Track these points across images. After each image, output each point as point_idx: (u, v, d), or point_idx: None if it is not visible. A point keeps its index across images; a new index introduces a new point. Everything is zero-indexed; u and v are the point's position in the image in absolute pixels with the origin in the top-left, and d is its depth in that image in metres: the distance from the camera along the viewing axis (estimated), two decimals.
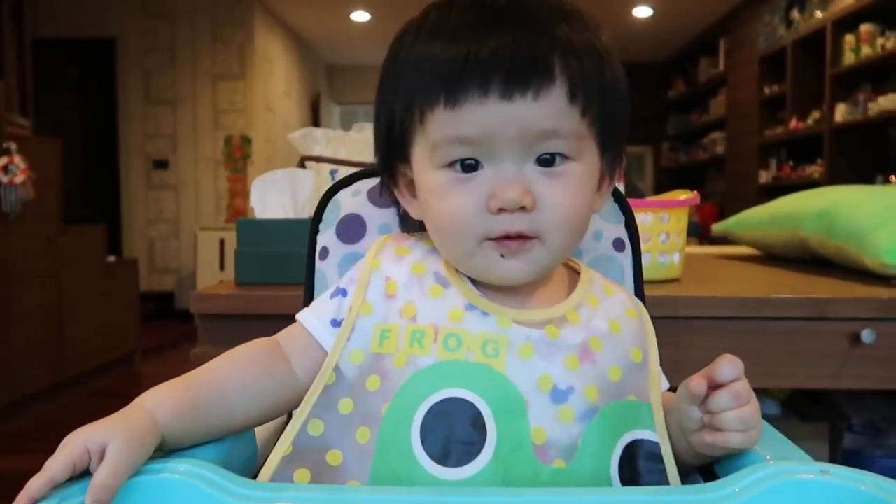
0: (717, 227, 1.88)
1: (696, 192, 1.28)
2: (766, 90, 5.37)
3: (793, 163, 5.15)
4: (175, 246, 5.71)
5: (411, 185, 0.60)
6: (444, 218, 0.55)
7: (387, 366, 0.54)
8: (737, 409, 0.49)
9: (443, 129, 0.53)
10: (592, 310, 0.59)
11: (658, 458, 0.53)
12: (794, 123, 4.95)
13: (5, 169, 2.84)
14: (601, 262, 0.70)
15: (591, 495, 0.45)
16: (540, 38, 0.51)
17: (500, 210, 0.52)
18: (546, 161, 0.53)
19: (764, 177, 5.43)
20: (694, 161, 7.26)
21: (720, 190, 6.54)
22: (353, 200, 0.72)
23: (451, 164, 0.54)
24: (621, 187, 1.28)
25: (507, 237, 0.53)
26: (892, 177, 4.02)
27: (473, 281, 0.58)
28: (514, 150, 0.52)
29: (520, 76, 0.50)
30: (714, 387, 0.49)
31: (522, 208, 0.52)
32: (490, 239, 0.53)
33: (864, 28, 4.14)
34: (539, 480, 0.49)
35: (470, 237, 0.54)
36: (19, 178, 2.88)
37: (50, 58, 5.23)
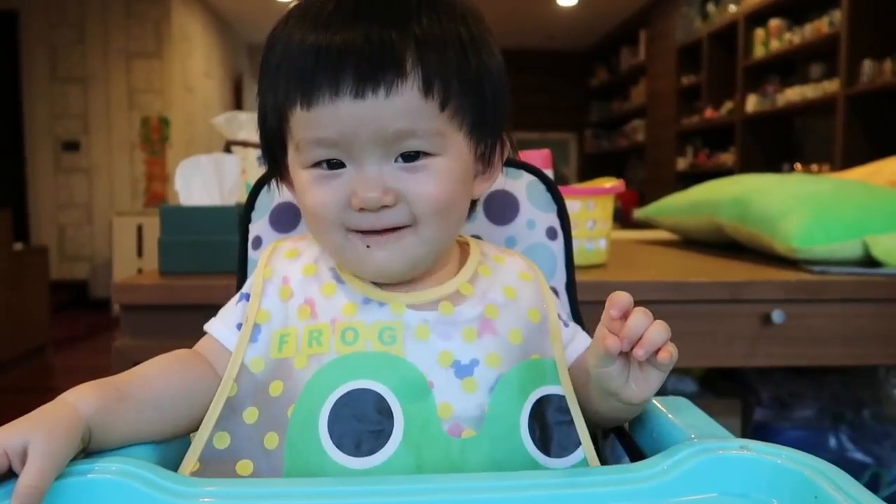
0: (640, 213, 1.95)
1: (621, 180, 1.32)
2: (684, 80, 5.58)
3: (708, 150, 5.37)
4: (88, 232, 5.43)
5: None
6: (310, 212, 0.55)
7: (288, 369, 0.54)
8: (654, 323, 0.49)
9: (303, 130, 0.52)
10: (485, 280, 0.60)
11: (566, 410, 0.55)
12: (709, 113, 5.16)
13: None
14: (534, 250, 0.71)
15: (520, 479, 0.46)
16: (393, 30, 0.50)
17: (362, 209, 0.52)
18: (409, 157, 0.52)
19: (681, 164, 5.65)
20: (616, 148, 7.47)
21: (640, 176, 6.77)
22: (286, 189, 0.70)
23: (317, 164, 0.53)
24: (550, 175, 1.31)
25: (373, 232, 0.53)
26: (798, 165, 4.27)
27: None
28: (374, 150, 0.51)
29: (369, 73, 0.49)
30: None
31: (385, 207, 0.52)
32: (355, 231, 0.53)
33: (774, 23, 4.35)
34: (451, 454, 0.51)
35: (336, 230, 0.54)
36: None
37: None
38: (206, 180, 1.22)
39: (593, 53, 7.88)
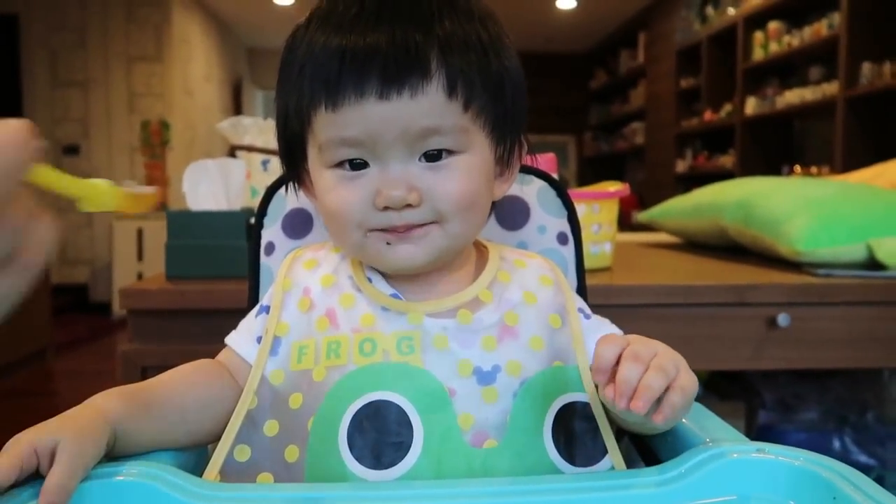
0: (642, 216, 1.95)
1: (626, 183, 1.32)
2: (683, 83, 5.59)
3: (707, 153, 5.38)
4: (88, 236, 5.43)
5: None
6: (332, 211, 0.55)
7: (308, 381, 0.54)
8: (649, 370, 0.45)
9: (327, 131, 0.53)
10: (504, 286, 0.59)
11: (591, 418, 0.54)
12: (708, 115, 5.17)
13: None
14: (546, 255, 0.72)
15: (536, 483, 0.47)
16: (417, 32, 0.51)
17: (386, 208, 0.52)
18: (432, 157, 0.53)
19: (680, 166, 5.66)
20: (615, 150, 7.48)
21: (640, 179, 6.78)
22: (299, 195, 0.71)
23: (339, 164, 0.54)
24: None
25: (395, 231, 0.53)
26: (797, 167, 4.28)
27: (387, 278, 0.58)
28: (399, 149, 0.52)
29: (395, 75, 0.50)
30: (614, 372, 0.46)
31: (409, 206, 0.52)
32: (375, 230, 0.54)
33: (773, 25, 4.36)
34: (472, 465, 0.51)
35: (356, 230, 0.54)
36: None
37: None
38: (212, 185, 1.23)
39: (592, 56, 7.89)
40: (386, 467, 0.50)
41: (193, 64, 5.98)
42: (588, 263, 1.28)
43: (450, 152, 0.53)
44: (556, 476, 0.51)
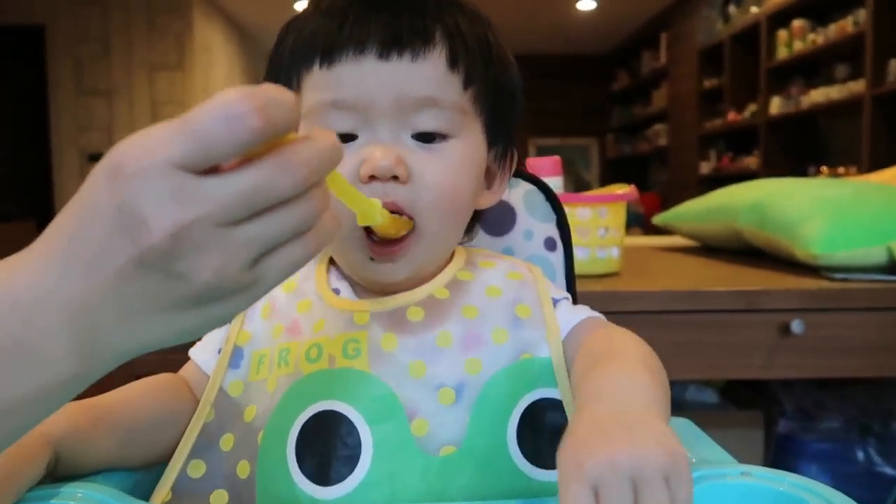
0: (658, 220, 1.91)
1: (633, 185, 1.29)
2: (706, 83, 5.51)
3: (731, 154, 5.29)
4: None
5: None
6: None
7: (261, 392, 0.51)
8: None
9: (318, 92, 0.50)
10: (465, 283, 0.55)
11: (562, 415, 0.49)
12: (732, 116, 5.08)
13: None
14: (532, 262, 0.69)
15: None
16: (421, 15, 0.50)
17: (372, 178, 0.48)
18: (425, 137, 0.50)
19: (704, 168, 5.57)
20: (638, 152, 7.40)
21: (663, 181, 6.69)
22: None
23: None
24: (560, 183, 1.28)
25: (382, 242, 0.50)
26: (824, 168, 4.18)
27: (357, 289, 0.55)
28: (392, 118, 0.49)
29: (397, 37, 0.48)
30: None
31: (395, 178, 0.49)
32: (364, 233, 0.50)
33: (797, 23, 4.27)
34: (429, 475, 0.47)
35: (342, 239, 0.51)
36: None
37: None
38: None
39: (614, 57, 7.82)
40: (334, 483, 0.46)
41: (215, 71, 6.04)
42: (595, 269, 1.25)
43: (443, 137, 0.51)
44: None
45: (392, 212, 0.49)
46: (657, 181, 6.94)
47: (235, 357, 0.53)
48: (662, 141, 6.61)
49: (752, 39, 4.78)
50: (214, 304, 0.31)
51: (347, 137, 0.50)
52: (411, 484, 0.46)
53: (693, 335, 1.08)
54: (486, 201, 0.58)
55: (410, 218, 0.50)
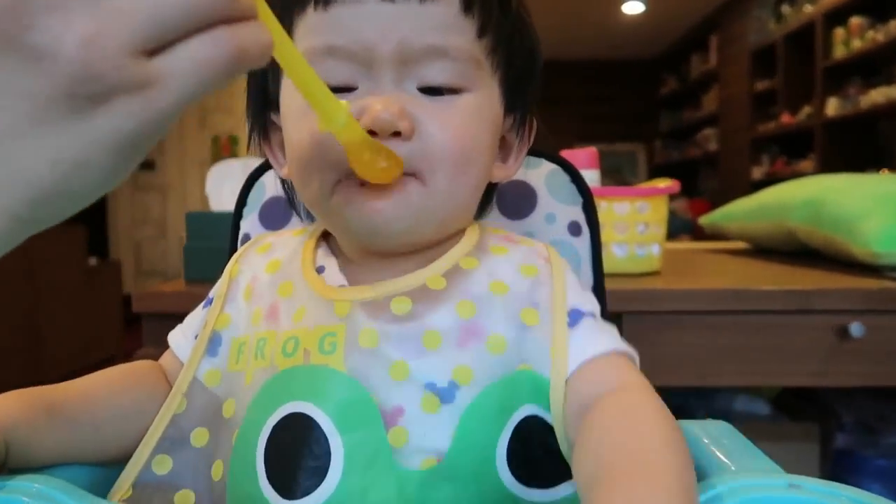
0: (704, 220, 1.82)
1: (676, 180, 1.21)
2: (758, 85, 5.32)
3: (786, 158, 5.09)
4: (162, 248, 5.63)
5: (284, 145, 0.50)
6: (298, 148, 0.44)
7: (239, 386, 0.46)
8: None
9: (312, 37, 0.44)
10: (466, 273, 0.47)
11: (556, 444, 0.43)
12: (786, 118, 4.89)
13: None
14: (554, 247, 0.63)
15: None
16: None
17: (370, 134, 0.42)
18: (431, 91, 0.44)
19: (757, 173, 5.37)
20: (687, 158, 7.20)
21: (713, 187, 6.49)
22: (279, 182, 0.65)
23: None
24: (596, 176, 1.21)
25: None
26: (884, 171, 3.97)
27: (345, 265, 0.49)
28: (394, 67, 0.43)
29: None
30: None
31: (398, 134, 0.42)
32: (349, 179, 0.43)
33: (855, 21, 4.08)
34: (406, 490, 0.40)
35: (329, 168, 0.43)
36: None
37: None
38: (235, 186, 1.19)
39: (661, 61, 7.65)
40: (300, 496, 0.40)
41: None
42: (633, 267, 1.17)
43: (453, 90, 0.45)
44: None
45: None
46: (707, 187, 6.74)
47: (213, 343, 0.48)
48: (712, 146, 6.42)
49: (806, 39, 4.59)
50: (99, 110, 0.25)
51: (345, 89, 0.44)
52: (386, 500, 0.40)
53: (741, 338, 1.00)
54: (502, 174, 0.52)
55: (416, 177, 0.44)
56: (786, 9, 4.94)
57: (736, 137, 5.78)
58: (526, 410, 0.44)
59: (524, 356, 0.45)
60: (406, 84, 0.44)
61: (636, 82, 7.80)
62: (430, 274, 0.47)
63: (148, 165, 5.54)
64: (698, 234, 4.68)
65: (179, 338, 0.52)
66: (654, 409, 0.38)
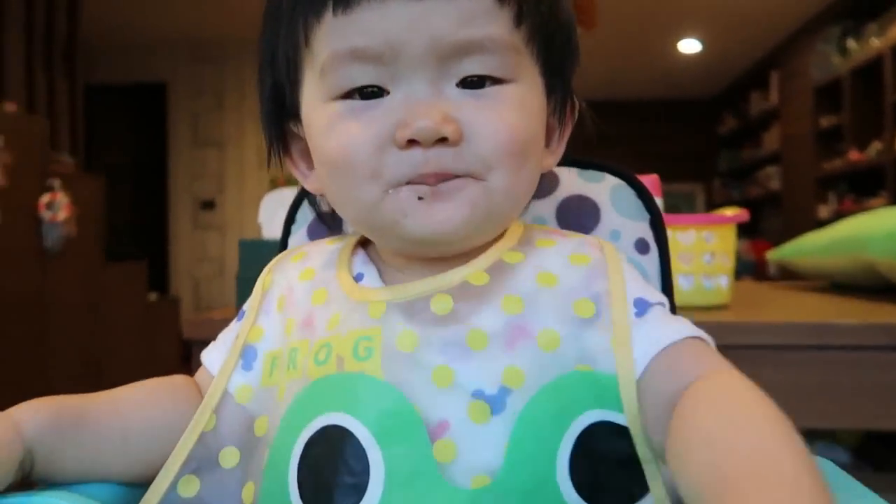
0: (773, 255, 1.73)
1: (745, 209, 1.15)
2: (822, 122, 5.16)
3: (854, 196, 4.88)
4: (219, 285, 5.75)
5: (308, 155, 0.47)
6: (334, 157, 0.41)
7: (273, 401, 0.43)
8: None
9: (333, 42, 0.40)
10: (510, 267, 0.43)
11: (629, 443, 0.38)
12: (854, 155, 4.70)
13: (48, 205, 2.88)
14: None
15: None
16: None
17: (412, 143, 0.39)
18: (472, 84, 0.41)
19: (823, 212, 5.17)
20: (748, 197, 7.00)
21: (777, 227, 6.27)
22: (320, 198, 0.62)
23: (348, 95, 0.41)
24: (660, 203, 1.16)
25: (424, 183, 0.39)
26: None
27: (387, 271, 0.45)
28: (429, 67, 0.40)
29: None
30: None
31: (443, 140, 0.39)
32: (404, 184, 0.40)
33: None
34: None
35: (370, 180, 0.40)
36: (62, 215, 2.91)
37: (104, 102, 5.42)
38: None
39: (720, 99, 7.53)
40: None
41: None
42: (700, 300, 1.11)
43: (495, 81, 0.41)
44: None
45: (441, 180, 0.39)
46: (770, 227, 6.51)
47: (247, 357, 0.46)
48: (775, 184, 6.23)
49: (874, 73, 4.43)
50: None
51: (373, 93, 0.41)
52: None
53: (821, 376, 0.92)
54: (550, 161, 0.48)
55: (474, 177, 0.41)
56: (851, 43, 4.80)
57: (800, 176, 5.60)
58: (590, 417, 0.39)
59: (581, 354, 0.40)
60: (444, 84, 0.41)
61: (694, 121, 7.69)
62: (472, 270, 0.43)
63: (209, 205, 5.72)
64: (761, 275, 4.50)
65: (212, 353, 0.49)
66: (754, 398, 0.34)
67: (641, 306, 0.42)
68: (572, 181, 0.60)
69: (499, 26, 0.41)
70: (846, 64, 4.79)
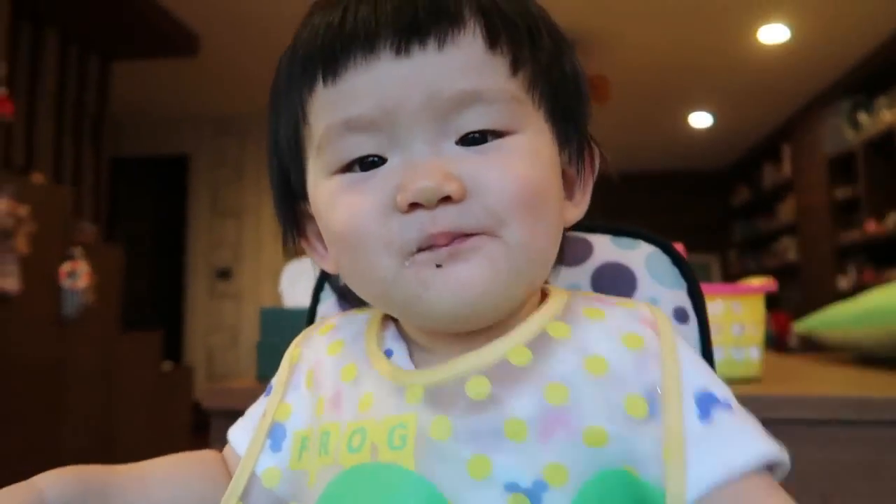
0: (800, 326, 1.69)
1: (772, 278, 1.13)
2: (837, 193, 5.17)
3: (874, 267, 4.83)
4: (234, 355, 5.72)
5: (322, 235, 0.45)
6: (339, 231, 0.40)
7: (303, 487, 0.40)
8: None
9: (327, 114, 0.39)
10: (555, 343, 0.40)
11: None
12: (871, 227, 4.68)
13: (69, 274, 2.90)
14: None
15: None
16: None
17: (414, 206, 0.37)
18: (474, 140, 0.39)
19: (843, 283, 5.11)
20: (764, 268, 6.95)
21: (796, 299, 6.19)
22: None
23: (348, 168, 0.40)
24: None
25: (436, 245, 0.37)
26: None
27: (415, 350, 0.43)
28: (426, 126, 0.38)
29: (415, 24, 0.37)
30: None
31: (447, 199, 0.37)
32: (417, 251, 0.38)
33: None
34: None
35: (383, 251, 0.38)
36: (82, 284, 2.94)
37: (128, 173, 5.56)
38: (310, 284, 1.18)
39: (733, 171, 7.60)
40: None
41: None
42: (730, 371, 1.07)
43: (498, 134, 0.39)
44: None
45: (453, 239, 0.37)
46: (789, 299, 6.43)
47: (275, 436, 0.44)
48: (792, 255, 6.20)
49: (887, 145, 4.47)
50: None
51: (371, 163, 0.40)
52: None
53: (867, 454, 0.88)
54: (572, 215, 0.46)
55: (487, 234, 0.38)
56: (862, 117, 4.86)
57: (817, 247, 5.56)
58: None
59: (627, 456, 0.37)
60: (443, 143, 0.39)
61: (707, 192, 7.73)
62: (512, 345, 0.40)
63: (225, 274, 5.76)
64: (782, 347, 4.41)
65: (238, 432, 0.48)
66: None
67: (705, 405, 0.38)
68: (607, 248, 0.59)
69: (495, 76, 0.39)
70: (858, 137, 4.83)
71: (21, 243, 2.55)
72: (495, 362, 0.39)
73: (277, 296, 4.57)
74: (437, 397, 0.39)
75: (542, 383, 0.38)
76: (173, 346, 5.04)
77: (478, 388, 0.38)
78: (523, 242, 0.38)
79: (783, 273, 6.64)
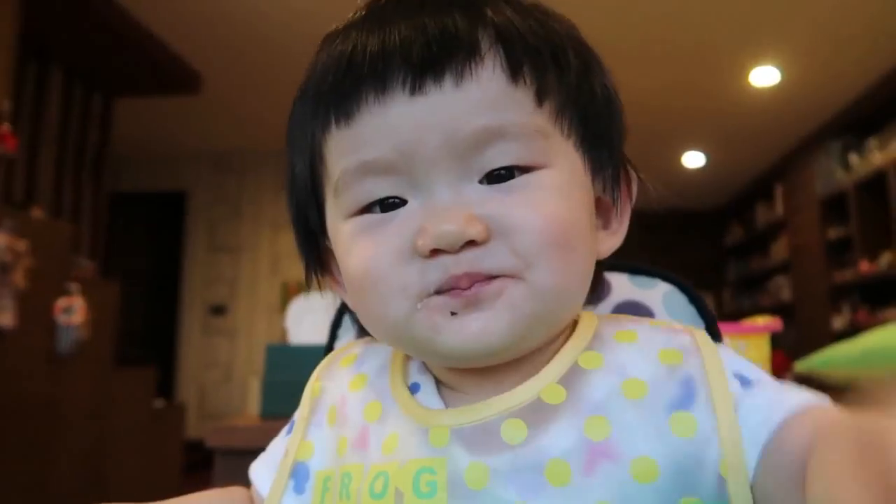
0: (801, 366, 1.69)
1: (777, 317, 1.14)
2: (830, 233, 5.22)
3: (868, 307, 4.85)
4: (226, 391, 5.65)
5: None
6: (355, 274, 0.38)
7: None
8: None
9: (343, 159, 0.38)
10: (589, 375, 0.38)
11: None
12: (865, 266, 4.72)
13: (65, 309, 2.89)
14: None
15: None
16: (458, 15, 0.37)
17: (436, 252, 0.35)
18: (498, 177, 0.37)
19: (838, 322, 5.13)
20: (758, 307, 6.96)
21: (791, 338, 6.20)
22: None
23: (366, 209, 0.38)
24: None
25: (457, 288, 0.35)
26: None
27: (442, 386, 0.41)
28: (446, 166, 0.36)
29: (428, 58, 0.35)
30: None
31: (470, 243, 0.35)
32: (434, 292, 0.36)
33: None
34: None
35: (397, 294, 0.36)
36: (77, 319, 2.92)
37: (126, 209, 5.57)
38: (317, 320, 1.18)
39: (726, 211, 7.67)
40: None
41: None
42: None
43: (524, 170, 0.37)
44: None
45: (474, 282, 0.35)
46: (784, 339, 6.44)
47: (298, 477, 0.42)
48: (786, 295, 6.23)
49: (879, 186, 4.53)
50: None
51: (392, 204, 0.38)
52: None
53: None
54: (609, 244, 0.43)
55: (513, 278, 0.36)
56: (853, 158, 4.93)
57: (811, 286, 5.60)
58: None
59: (684, 487, 0.35)
60: (465, 184, 0.37)
61: (700, 231, 7.79)
62: (544, 384, 0.38)
63: (219, 310, 5.73)
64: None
65: (261, 470, 0.46)
66: None
67: (744, 379, 0.37)
68: (625, 287, 0.59)
69: (518, 110, 0.37)
70: (850, 177, 4.90)
71: (18, 278, 2.54)
72: (528, 402, 0.38)
73: (273, 332, 4.56)
74: (470, 441, 0.37)
75: (581, 418, 0.37)
76: (165, 383, 4.98)
77: (514, 431, 0.37)
78: (552, 285, 0.37)
79: (777, 312, 6.65)
